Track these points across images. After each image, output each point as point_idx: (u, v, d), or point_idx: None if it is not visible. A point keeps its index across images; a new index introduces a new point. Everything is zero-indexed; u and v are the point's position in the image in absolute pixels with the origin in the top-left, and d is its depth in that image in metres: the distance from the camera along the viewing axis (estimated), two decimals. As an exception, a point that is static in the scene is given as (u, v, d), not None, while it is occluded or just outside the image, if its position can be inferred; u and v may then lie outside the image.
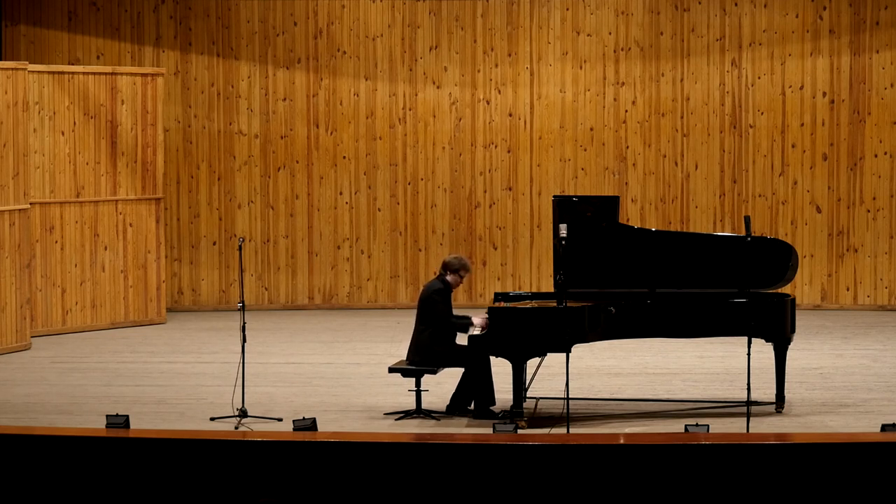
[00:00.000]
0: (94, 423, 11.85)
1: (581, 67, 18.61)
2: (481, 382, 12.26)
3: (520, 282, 18.74)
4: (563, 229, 11.64)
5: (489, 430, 9.86)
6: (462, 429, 12.01)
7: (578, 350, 12.47)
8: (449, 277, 12.52)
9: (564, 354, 11.60)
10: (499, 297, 12.86)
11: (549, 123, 18.68)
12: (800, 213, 18.50)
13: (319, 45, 18.72)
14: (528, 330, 11.88)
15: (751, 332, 11.37)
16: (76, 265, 17.01)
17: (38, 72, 16.66)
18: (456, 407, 12.43)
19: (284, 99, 18.74)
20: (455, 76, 18.69)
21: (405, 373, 12.45)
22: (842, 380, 13.97)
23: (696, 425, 9.57)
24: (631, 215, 18.52)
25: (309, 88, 18.73)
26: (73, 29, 18.55)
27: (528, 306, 12.32)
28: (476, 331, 12.15)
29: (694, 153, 18.55)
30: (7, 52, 18.39)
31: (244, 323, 12.23)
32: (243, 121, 18.74)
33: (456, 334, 12.47)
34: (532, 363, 12.44)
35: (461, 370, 12.43)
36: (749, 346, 11.18)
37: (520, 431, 10.30)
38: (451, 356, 12.35)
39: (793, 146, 18.48)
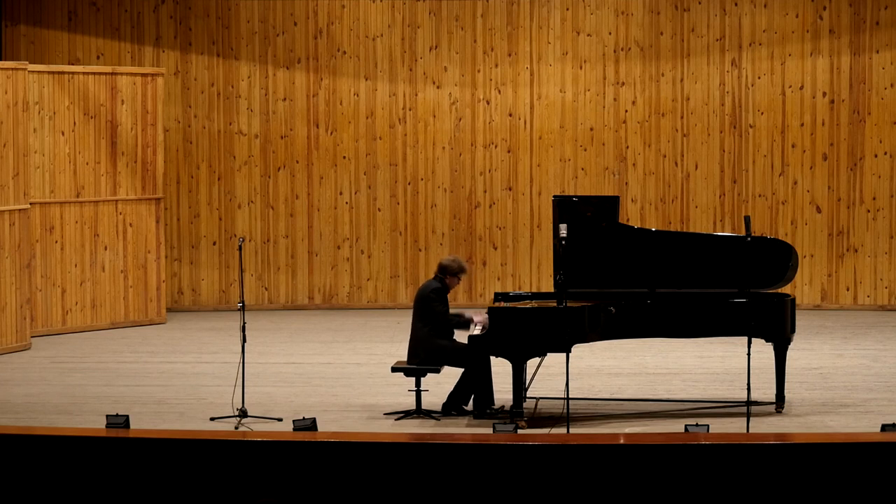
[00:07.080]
0: (94, 423, 11.85)
1: (581, 67, 18.61)
2: (481, 383, 12.26)
3: (520, 282, 18.73)
4: (563, 229, 11.64)
5: (489, 430, 9.87)
6: (462, 429, 12.00)
7: (578, 350, 12.47)
8: (448, 280, 12.52)
9: (564, 354, 11.61)
10: (499, 297, 12.86)
11: (549, 123, 18.68)
12: (800, 213, 18.50)
13: (319, 45, 18.71)
14: (528, 330, 11.88)
15: (751, 332, 11.37)
16: (76, 265, 17.01)
17: (38, 72, 16.66)
18: (452, 405, 12.42)
19: (284, 99, 18.74)
20: (455, 76, 18.69)
21: (408, 372, 12.45)
22: (842, 380, 13.97)
23: (696, 425, 9.57)
24: (631, 215, 18.51)
25: (309, 88, 18.73)
26: (73, 29, 18.55)
27: (528, 306, 12.32)
28: (477, 330, 12.15)
29: (694, 153, 18.55)
30: (7, 52, 18.39)
31: (244, 323, 12.24)
32: (243, 121, 18.74)
33: (454, 331, 12.48)
34: (532, 363, 12.44)
35: (462, 370, 12.43)
36: (749, 346, 11.18)
37: (520, 431, 10.30)
38: (452, 354, 12.35)
39: (793, 146, 18.48)
